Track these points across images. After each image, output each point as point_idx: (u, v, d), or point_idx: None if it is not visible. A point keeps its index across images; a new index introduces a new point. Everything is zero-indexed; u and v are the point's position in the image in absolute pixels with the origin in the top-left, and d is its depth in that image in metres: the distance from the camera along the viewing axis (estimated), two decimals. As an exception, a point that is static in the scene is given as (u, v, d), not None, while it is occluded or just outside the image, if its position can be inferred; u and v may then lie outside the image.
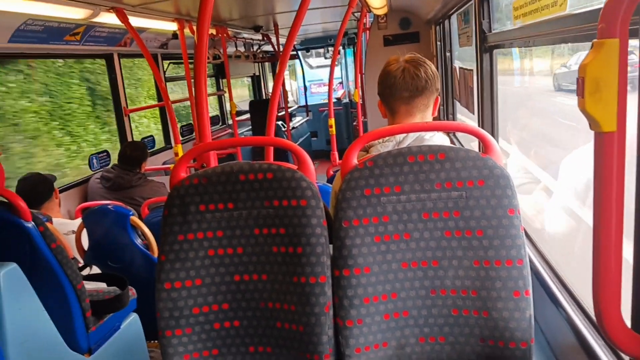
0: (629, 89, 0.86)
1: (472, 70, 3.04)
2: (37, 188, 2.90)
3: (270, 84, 9.14)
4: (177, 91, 6.95)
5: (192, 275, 1.35)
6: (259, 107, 6.98)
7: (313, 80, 9.83)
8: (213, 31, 4.80)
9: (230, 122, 7.12)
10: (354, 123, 7.98)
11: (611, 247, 0.90)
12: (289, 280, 1.32)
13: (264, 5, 4.71)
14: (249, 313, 1.37)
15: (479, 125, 2.72)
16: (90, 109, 5.95)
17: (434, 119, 1.66)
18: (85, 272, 2.42)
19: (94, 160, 4.12)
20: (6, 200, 1.88)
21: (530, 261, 1.61)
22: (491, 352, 1.28)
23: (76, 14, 3.05)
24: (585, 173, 1.84)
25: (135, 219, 2.72)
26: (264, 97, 8.92)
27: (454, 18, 4.06)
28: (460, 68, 3.67)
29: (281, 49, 6.19)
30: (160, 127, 5.65)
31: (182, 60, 4.40)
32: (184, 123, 6.15)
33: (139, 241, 2.75)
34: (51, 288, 1.93)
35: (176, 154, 3.94)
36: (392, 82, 1.54)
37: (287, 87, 8.09)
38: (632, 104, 0.89)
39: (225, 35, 5.00)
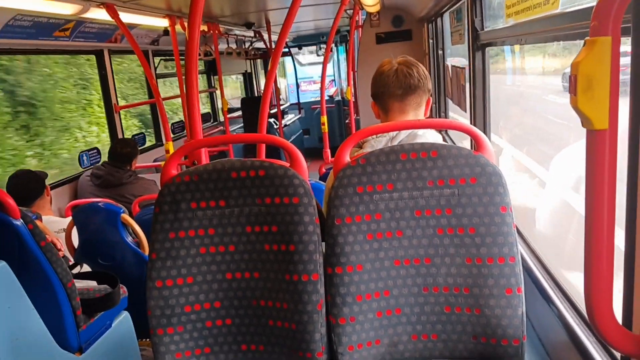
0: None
1: (464, 68, 3.04)
2: (29, 185, 2.87)
3: (262, 81, 9.12)
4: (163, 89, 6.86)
5: (184, 273, 1.34)
6: (251, 105, 6.96)
7: (303, 78, 9.79)
8: (204, 28, 4.77)
9: (221, 119, 7.09)
10: (347, 121, 7.98)
11: (603, 244, 0.91)
12: (281, 278, 1.32)
13: (256, 1, 4.69)
14: (241, 311, 1.36)
15: (471, 123, 2.73)
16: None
17: (427, 117, 1.67)
18: (76, 270, 2.40)
19: (84, 158, 4.08)
20: None
21: (522, 258, 1.62)
22: (483, 349, 1.29)
23: (66, 9, 3.02)
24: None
25: (126, 216, 2.70)
26: (256, 95, 8.90)
27: (446, 16, 4.07)
28: (452, 66, 3.68)
29: (273, 46, 6.17)
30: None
31: (173, 57, 4.37)
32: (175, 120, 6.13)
33: (129, 239, 2.73)
34: (41, 286, 1.91)
35: (167, 151, 3.92)
36: (385, 81, 1.57)
37: (276, 85, 8.06)
38: (624, 102, 0.90)
39: (216, 31, 4.97)
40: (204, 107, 7.40)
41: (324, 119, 4.55)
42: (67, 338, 2.00)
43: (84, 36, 3.70)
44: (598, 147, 0.86)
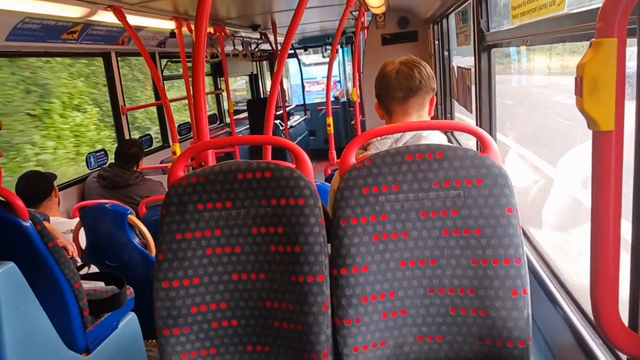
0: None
1: (470, 69, 3.04)
2: (37, 186, 2.90)
3: (268, 83, 9.14)
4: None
5: (190, 275, 1.34)
6: (257, 106, 6.98)
7: (306, 78, 9.78)
8: (211, 30, 4.79)
9: (228, 120, 7.11)
10: (352, 122, 7.98)
11: (609, 246, 0.91)
12: (287, 279, 1.32)
13: (262, 3, 4.70)
14: (247, 312, 1.37)
15: (477, 124, 2.72)
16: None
17: (432, 118, 1.66)
18: (83, 271, 2.42)
19: (92, 159, 4.11)
20: (3, 199, 1.88)
21: (528, 260, 1.62)
22: (489, 351, 1.28)
23: (74, 12, 3.04)
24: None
25: (133, 218, 2.71)
26: (262, 96, 8.91)
27: (452, 17, 4.06)
28: (458, 67, 3.67)
29: (279, 47, 6.18)
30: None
31: (180, 59, 4.39)
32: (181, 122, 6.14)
33: (136, 240, 2.75)
34: (49, 287, 1.93)
35: (174, 153, 3.93)
36: (387, 83, 1.56)
37: (279, 87, 8.03)
38: (630, 103, 0.89)
39: (223, 33, 4.99)
40: (210, 109, 7.42)
41: (330, 120, 4.55)
42: (74, 339, 2.02)
43: (91, 39, 3.73)
44: (604, 148, 0.86)
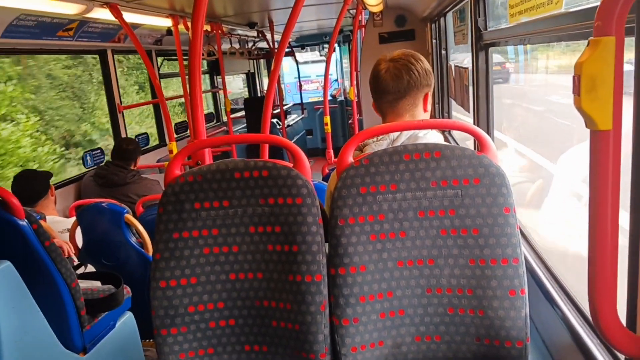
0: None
1: (467, 68, 3.03)
2: (33, 185, 2.88)
3: (265, 81, 9.12)
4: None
5: (187, 274, 1.34)
6: (254, 105, 6.96)
7: (300, 77, 9.75)
8: (208, 27, 4.78)
9: (225, 119, 7.10)
10: (350, 121, 7.98)
11: (607, 246, 0.90)
12: (284, 278, 1.32)
13: (259, 1, 4.69)
14: (244, 312, 1.36)
15: (474, 123, 2.72)
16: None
17: (430, 116, 1.65)
18: (80, 270, 2.41)
19: (88, 158, 4.09)
20: None
21: (526, 260, 1.61)
22: (487, 351, 1.28)
23: (69, 9, 3.03)
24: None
25: (129, 216, 2.71)
26: (259, 95, 8.90)
27: (449, 16, 4.06)
28: (455, 66, 3.67)
29: (276, 45, 6.17)
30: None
31: (176, 57, 4.37)
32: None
33: (133, 239, 2.74)
34: (45, 286, 1.92)
35: (170, 152, 3.92)
36: (377, 84, 1.54)
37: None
38: (628, 102, 0.89)
39: (220, 31, 4.98)
40: (207, 107, 7.41)
41: (327, 119, 4.55)
42: (71, 338, 2.01)
43: (87, 36, 3.71)
44: (602, 147, 0.86)
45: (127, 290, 2.36)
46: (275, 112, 6.65)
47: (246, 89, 9.21)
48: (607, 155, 0.86)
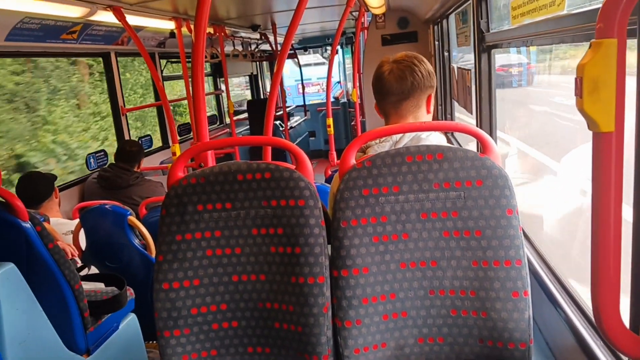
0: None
1: (470, 70, 3.03)
2: (37, 187, 2.89)
3: (268, 83, 9.13)
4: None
5: (190, 276, 1.34)
6: (257, 107, 6.98)
7: (300, 80, 9.75)
8: (211, 30, 4.79)
9: (228, 121, 7.11)
10: (352, 123, 7.98)
11: (610, 248, 0.90)
12: (287, 280, 1.32)
13: (261, 4, 4.70)
14: (247, 314, 1.36)
15: (477, 125, 2.72)
16: None
17: (432, 118, 1.65)
18: (83, 272, 2.42)
19: (91, 160, 4.11)
20: (3, 200, 1.88)
21: (529, 261, 1.61)
22: (490, 352, 1.28)
23: (73, 12, 3.04)
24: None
25: (133, 218, 2.71)
26: (262, 97, 8.91)
27: (452, 18, 4.06)
28: (458, 68, 3.67)
29: (279, 48, 6.18)
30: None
31: (179, 59, 4.39)
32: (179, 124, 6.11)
33: (136, 241, 2.75)
34: (49, 288, 1.92)
35: (174, 154, 3.93)
36: (380, 85, 1.55)
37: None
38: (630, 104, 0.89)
39: (223, 34, 4.99)
40: (210, 109, 7.42)
41: (330, 121, 4.55)
42: (74, 340, 2.02)
43: (91, 39, 3.73)
44: (604, 149, 0.86)
45: (130, 292, 2.36)
46: (278, 114, 6.66)
47: (244, 92, 9.22)
48: (609, 157, 0.86)
